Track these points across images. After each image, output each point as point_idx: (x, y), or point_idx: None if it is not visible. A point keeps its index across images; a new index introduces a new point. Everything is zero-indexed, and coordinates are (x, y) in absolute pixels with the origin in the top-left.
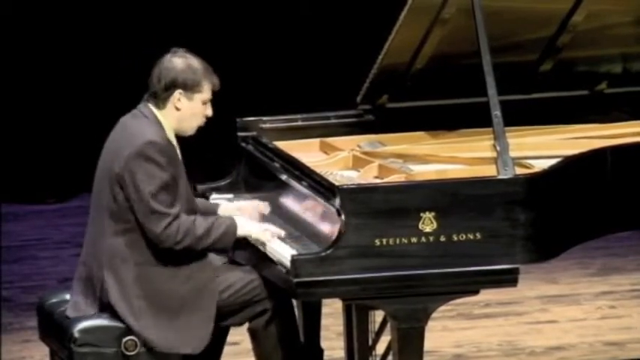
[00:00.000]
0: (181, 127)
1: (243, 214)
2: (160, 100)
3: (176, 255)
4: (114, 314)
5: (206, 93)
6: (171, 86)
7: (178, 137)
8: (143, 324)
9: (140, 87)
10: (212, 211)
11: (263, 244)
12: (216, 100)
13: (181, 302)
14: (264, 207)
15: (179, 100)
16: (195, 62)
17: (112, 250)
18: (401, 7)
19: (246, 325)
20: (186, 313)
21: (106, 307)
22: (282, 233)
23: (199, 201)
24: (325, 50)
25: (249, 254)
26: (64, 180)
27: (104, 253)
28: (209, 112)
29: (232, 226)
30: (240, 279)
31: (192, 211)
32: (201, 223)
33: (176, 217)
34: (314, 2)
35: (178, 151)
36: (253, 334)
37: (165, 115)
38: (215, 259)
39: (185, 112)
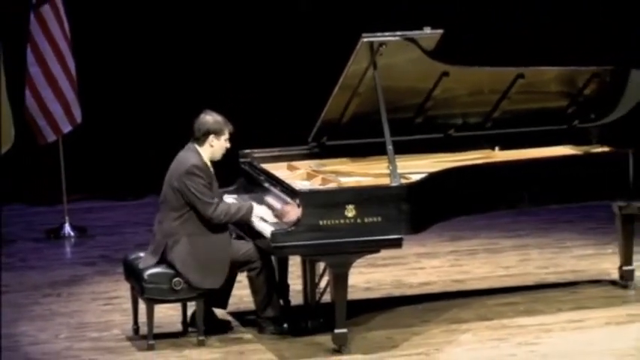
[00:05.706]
0: (214, 156)
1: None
2: (201, 141)
3: (210, 230)
4: (168, 266)
5: (227, 135)
6: (206, 134)
7: (212, 162)
8: (187, 270)
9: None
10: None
11: (258, 221)
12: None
13: (209, 257)
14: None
15: (212, 141)
16: (218, 117)
17: (173, 229)
18: (334, 85)
19: (246, 273)
20: (212, 264)
21: (162, 262)
22: (270, 218)
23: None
24: (293, 107)
25: (250, 231)
26: (139, 184)
27: (167, 230)
28: (228, 145)
29: (251, 207)
30: (243, 248)
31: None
32: (233, 206)
33: (217, 204)
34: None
35: (212, 170)
36: (250, 279)
37: (204, 150)
38: (228, 235)
39: (216, 148)
